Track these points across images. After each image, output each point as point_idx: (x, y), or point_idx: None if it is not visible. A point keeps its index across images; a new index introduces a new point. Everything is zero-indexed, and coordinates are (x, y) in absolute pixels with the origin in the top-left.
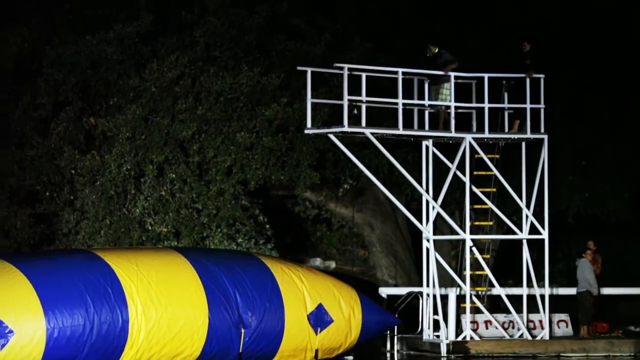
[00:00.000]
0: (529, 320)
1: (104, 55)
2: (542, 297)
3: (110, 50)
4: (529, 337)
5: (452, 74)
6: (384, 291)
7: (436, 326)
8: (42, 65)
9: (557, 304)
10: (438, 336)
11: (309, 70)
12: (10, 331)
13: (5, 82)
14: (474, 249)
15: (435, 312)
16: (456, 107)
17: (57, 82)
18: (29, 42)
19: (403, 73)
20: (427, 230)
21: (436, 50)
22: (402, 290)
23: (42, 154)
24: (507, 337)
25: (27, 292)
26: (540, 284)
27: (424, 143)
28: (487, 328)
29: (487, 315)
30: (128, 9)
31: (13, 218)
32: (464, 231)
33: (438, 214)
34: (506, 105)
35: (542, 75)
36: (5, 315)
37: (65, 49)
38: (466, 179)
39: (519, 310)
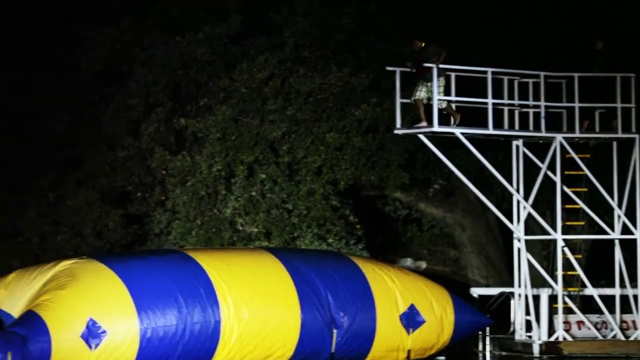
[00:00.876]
0: (622, 321)
1: (194, 56)
2: (635, 297)
3: (200, 52)
4: (622, 338)
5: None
6: (476, 291)
7: (528, 327)
8: (132, 66)
9: None
10: (530, 336)
11: (398, 70)
12: (104, 331)
13: (96, 83)
14: (566, 249)
15: (527, 313)
16: (546, 107)
17: (147, 83)
18: (120, 43)
19: (492, 72)
20: (518, 230)
21: (422, 45)
22: (494, 291)
23: (133, 155)
24: (600, 337)
25: (120, 293)
26: (633, 284)
27: (514, 143)
28: (579, 329)
29: (579, 316)
30: (217, 10)
31: (105, 219)
32: (556, 231)
33: (529, 214)
34: (598, 105)
35: (632, 74)
36: (99, 315)
37: (156, 50)
38: (557, 179)
39: (611, 311)
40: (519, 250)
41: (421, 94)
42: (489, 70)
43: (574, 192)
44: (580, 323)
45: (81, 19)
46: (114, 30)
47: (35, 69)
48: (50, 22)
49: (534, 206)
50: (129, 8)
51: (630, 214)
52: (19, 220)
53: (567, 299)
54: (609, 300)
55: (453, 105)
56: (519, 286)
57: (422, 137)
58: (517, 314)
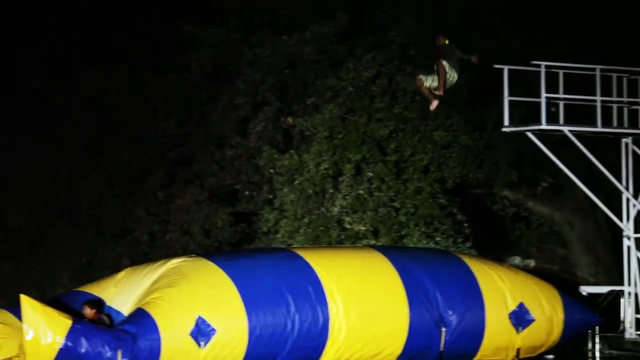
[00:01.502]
0: None
1: (300, 55)
2: None
3: (307, 51)
4: None
5: None
6: (585, 290)
7: (638, 325)
8: (240, 66)
9: None
10: None
11: (506, 68)
12: (213, 330)
13: (205, 83)
14: None
15: (637, 311)
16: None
17: (255, 82)
18: (227, 43)
19: (601, 70)
20: (627, 228)
21: (447, 42)
22: (603, 289)
23: (241, 154)
24: None
25: (229, 291)
26: None
27: (623, 140)
28: None
29: None
30: (324, 9)
31: (213, 217)
32: None
33: (639, 212)
34: None
35: None
36: (208, 314)
37: (263, 50)
38: None
39: None
40: (628, 248)
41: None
42: (598, 67)
43: None
44: None
45: (190, 19)
46: (222, 31)
47: (147, 70)
48: (160, 23)
49: None
50: (236, 8)
51: None
52: (129, 219)
53: None
54: None
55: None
56: (629, 284)
57: (530, 135)
58: (627, 312)
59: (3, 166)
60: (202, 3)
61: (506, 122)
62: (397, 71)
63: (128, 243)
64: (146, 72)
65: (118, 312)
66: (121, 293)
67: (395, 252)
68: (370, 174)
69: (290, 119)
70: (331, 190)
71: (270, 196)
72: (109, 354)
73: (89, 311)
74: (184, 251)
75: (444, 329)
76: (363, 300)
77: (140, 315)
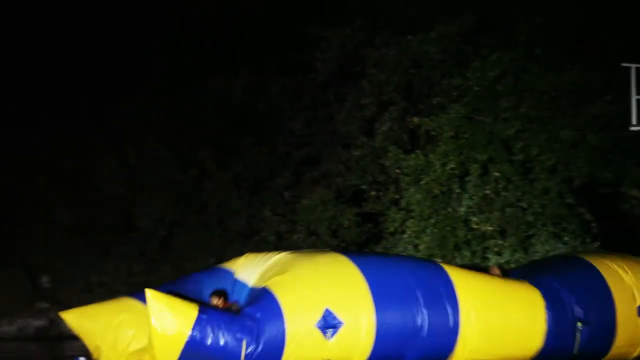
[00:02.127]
0: None
1: (426, 55)
2: None
3: (432, 50)
4: None
5: None
6: None
7: None
8: (365, 66)
9: None
10: None
11: (633, 66)
12: (340, 322)
13: (331, 83)
14: None
15: None
16: None
17: (380, 82)
18: (352, 43)
19: None
20: None
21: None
22: None
23: (367, 154)
24: None
25: (359, 286)
26: None
27: None
28: None
29: None
30: (449, 9)
31: (340, 217)
32: None
33: None
34: None
35: None
36: (336, 306)
37: (388, 50)
38: None
39: None
40: None
41: None
42: None
43: None
44: None
45: (315, 20)
46: (347, 31)
47: (273, 71)
48: (286, 24)
49: None
50: (361, 8)
51: None
52: (256, 219)
53: None
54: None
55: None
56: None
57: None
58: None
59: (132, 169)
60: (327, 3)
61: (634, 121)
62: (523, 70)
63: (255, 243)
64: (272, 73)
65: (243, 285)
66: (247, 265)
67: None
68: (497, 174)
69: (415, 119)
70: (457, 190)
71: (397, 196)
72: (234, 344)
73: (216, 301)
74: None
75: (578, 329)
76: (495, 304)
77: (267, 300)
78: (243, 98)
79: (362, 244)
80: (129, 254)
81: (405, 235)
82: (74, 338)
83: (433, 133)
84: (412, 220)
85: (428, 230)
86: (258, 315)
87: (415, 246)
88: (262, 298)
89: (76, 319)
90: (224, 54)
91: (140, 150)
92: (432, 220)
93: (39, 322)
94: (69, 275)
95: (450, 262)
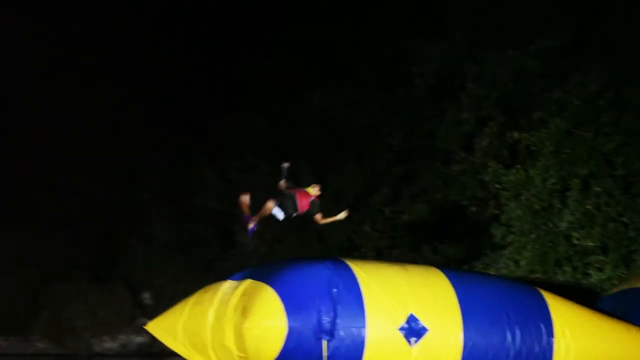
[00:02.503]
0: None
1: (525, 69)
2: None
3: (532, 64)
4: None
5: None
6: None
7: None
8: (464, 80)
9: None
10: None
11: None
12: (424, 329)
13: (430, 98)
14: None
15: None
16: None
17: (479, 97)
18: (451, 58)
19: None
20: None
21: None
22: None
23: (466, 169)
24: None
25: (449, 298)
26: None
27: None
28: None
29: None
30: (549, 22)
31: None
32: None
33: None
34: None
35: None
36: (421, 313)
37: (487, 64)
38: None
39: None
40: None
41: None
42: None
43: None
44: None
45: (414, 34)
46: (446, 46)
47: (371, 86)
48: (384, 39)
49: None
50: (460, 23)
51: None
52: (355, 235)
53: None
54: None
55: None
56: None
57: None
58: None
59: (233, 184)
60: (427, 18)
61: None
62: (624, 84)
63: (354, 259)
64: (372, 88)
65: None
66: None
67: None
68: (598, 189)
69: (515, 134)
70: (558, 206)
71: (497, 212)
72: (316, 346)
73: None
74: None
75: None
76: (591, 327)
77: (353, 299)
78: (343, 113)
79: (462, 260)
80: (229, 270)
81: (505, 251)
82: (175, 354)
83: (533, 148)
84: (512, 236)
85: (529, 246)
86: (339, 313)
87: (516, 262)
88: (353, 295)
89: (158, 327)
90: (324, 69)
91: (241, 165)
92: (533, 236)
93: (141, 339)
94: (170, 291)
95: (552, 278)
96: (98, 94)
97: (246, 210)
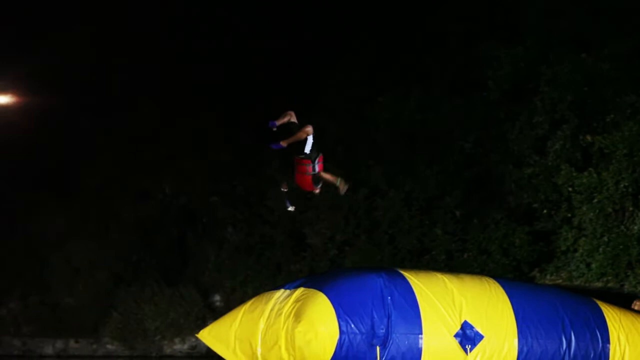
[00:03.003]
0: None
1: (599, 72)
2: None
3: (606, 67)
4: None
5: None
6: None
7: None
8: (538, 84)
9: None
10: None
11: None
12: (480, 336)
13: (503, 101)
14: None
15: None
16: None
17: (553, 100)
18: (525, 61)
19: None
20: None
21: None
22: None
23: (539, 172)
24: None
25: (503, 304)
26: None
27: None
28: None
29: None
30: (623, 25)
31: (511, 236)
32: None
33: None
34: None
35: None
36: (476, 320)
37: (561, 67)
38: None
39: None
40: None
41: None
42: None
43: None
44: None
45: (488, 38)
46: (519, 49)
47: (445, 89)
48: (457, 42)
49: None
50: (534, 25)
51: None
52: (426, 237)
53: None
54: None
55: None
56: None
57: None
58: None
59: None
60: (500, 22)
61: None
62: None
63: (425, 262)
64: (444, 92)
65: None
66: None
67: None
68: None
69: (589, 137)
70: (631, 208)
71: (569, 215)
72: (370, 353)
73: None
74: (482, 270)
75: None
76: None
77: (410, 303)
78: (414, 116)
79: (534, 263)
80: (300, 273)
81: (577, 254)
82: None
83: (606, 151)
84: (584, 239)
85: (601, 249)
86: (396, 320)
87: (588, 265)
88: (411, 305)
89: (210, 335)
90: (396, 72)
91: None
92: (605, 239)
93: None
94: (240, 294)
95: (623, 281)
96: (173, 95)
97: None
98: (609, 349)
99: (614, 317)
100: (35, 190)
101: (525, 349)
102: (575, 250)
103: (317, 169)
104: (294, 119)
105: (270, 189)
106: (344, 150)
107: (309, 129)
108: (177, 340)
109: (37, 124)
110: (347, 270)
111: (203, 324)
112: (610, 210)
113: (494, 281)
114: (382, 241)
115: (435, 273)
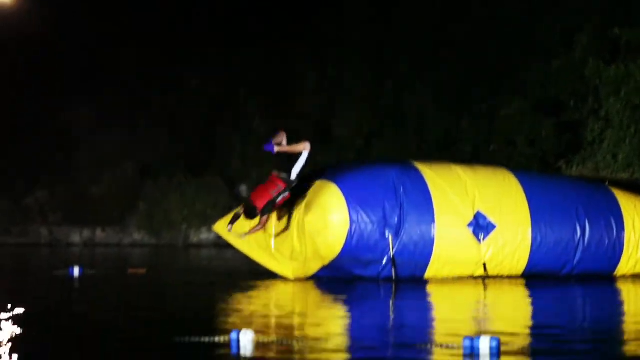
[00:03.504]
0: None
1: None
2: None
3: None
4: None
5: None
6: None
7: None
8: None
9: None
10: None
11: None
12: (492, 225)
13: None
14: None
15: None
16: None
17: None
18: None
19: None
20: None
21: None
22: None
23: (567, 65)
24: None
25: (517, 194)
26: None
27: None
28: None
29: None
30: None
31: (538, 128)
32: None
33: None
34: None
35: None
36: (491, 210)
37: None
38: None
39: None
40: None
41: None
42: None
43: None
44: None
45: None
46: None
47: None
48: None
49: None
50: None
51: None
52: (453, 129)
53: None
54: None
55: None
56: None
57: None
58: None
59: (333, 81)
60: None
61: None
62: None
63: (451, 154)
64: None
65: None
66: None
67: None
68: None
69: (616, 30)
70: None
71: (596, 106)
72: (382, 241)
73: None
74: (508, 161)
75: None
76: None
77: (422, 193)
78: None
79: (561, 154)
80: (325, 164)
81: (604, 145)
82: None
83: (634, 44)
84: (611, 130)
85: (627, 140)
86: (408, 210)
87: (614, 156)
88: (417, 193)
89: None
90: None
91: (339, 61)
92: (632, 130)
93: None
94: None
95: None
96: None
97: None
98: (623, 237)
99: (628, 205)
100: (66, 80)
101: (539, 237)
102: (602, 142)
103: (279, 199)
104: (285, 140)
105: (298, 81)
106: (373, 43)
107: (307, 145)
108: (203, 229)
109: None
110: (361, 163)
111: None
112: (637, 102)
113: (508, 172)
114: (408, 132)
115: (449, 165)
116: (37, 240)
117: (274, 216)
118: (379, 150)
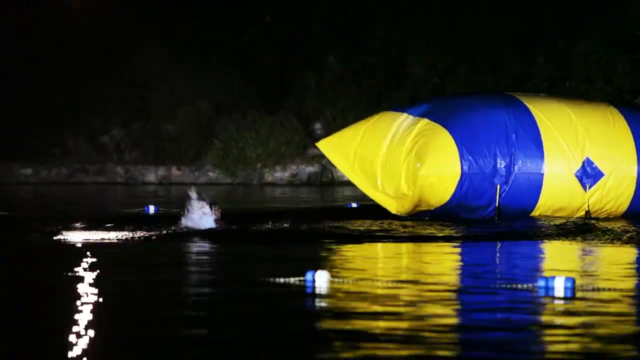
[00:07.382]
0: None
1: None
2: None
3: None
4: None
5: None
6: None
7: None
8: None
9: None
10: None
11: None
12: (600, 173)
13: None
14: None
15: None
16: None
17: None
18: None
19: None
20: None
21: None
22: None
23: None
24: None
25: (626, 140)
26: None
27: None
28: None
29: None
30: None
31: (614, 63)
32: None
33: None
34: None
35: None
36: (599, 157)
37: None
38: None
39: None
40: None
41: None
42: None
43: None
44: None
45: None
46: None
47: None
48: None
49: None
50: None
51: None
52: (530, 66)
53: None
54: None
55: None
56: None
57: None
58: None
59: (406, 15)
60: None
61: None
62: None
63: (527, 90)
64: None
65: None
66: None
67: None
68: None
69: None
70: None
71: None
72: (491, 190)
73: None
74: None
75: None
76: None
77: (534, 141)
78: None
79: (636, 91)
80: (400, 100)
81: None
82: (344, 184)
83: None
84: None
85: None
86: (518, 158)
87: None
88: (529, 138)
89: (329, 146)
90: None
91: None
92: None
93: (312, 168)
94: (341, 122)
95: None
96: None
97: None
98: None
99: None
100: (140, 21)
101: None
102: None
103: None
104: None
105: (371, 21)
106: None
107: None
108: (278, 168)
109: None
110: (472, 100)
111: (303, 152)
112: None
113: (617, 112)
114: (484, 70)
115: (560, 104)
116: (112, 179)
117: (381, 152)
118: (454, 88)
